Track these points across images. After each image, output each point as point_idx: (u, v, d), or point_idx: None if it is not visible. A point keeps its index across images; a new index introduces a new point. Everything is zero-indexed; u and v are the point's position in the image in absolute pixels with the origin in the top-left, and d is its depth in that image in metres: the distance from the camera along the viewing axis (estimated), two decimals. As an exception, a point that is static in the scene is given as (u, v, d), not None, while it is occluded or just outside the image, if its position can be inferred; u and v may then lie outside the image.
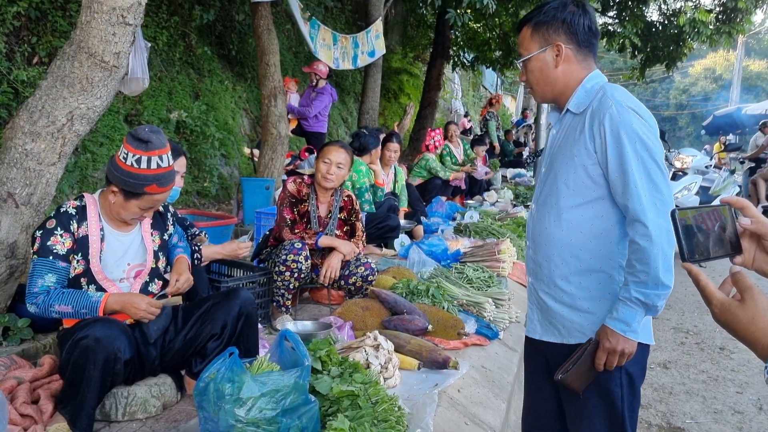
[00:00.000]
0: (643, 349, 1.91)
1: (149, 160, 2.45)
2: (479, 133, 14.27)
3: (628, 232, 1.79)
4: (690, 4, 10.65)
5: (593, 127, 1.80)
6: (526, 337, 2.15)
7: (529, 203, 9.52)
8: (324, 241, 3.87)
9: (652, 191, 1.73)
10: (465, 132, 20.56)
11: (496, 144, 13.91)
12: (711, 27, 10.60)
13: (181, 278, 2.64)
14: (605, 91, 1.84)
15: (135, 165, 2.45)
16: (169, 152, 2.55)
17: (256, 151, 7.87)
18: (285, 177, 6.47)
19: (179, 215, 2.98)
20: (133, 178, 2.46)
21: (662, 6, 11.66)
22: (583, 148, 1.83)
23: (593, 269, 1.88)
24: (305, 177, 4.13)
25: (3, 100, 5.14)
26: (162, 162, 2.49)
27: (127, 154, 2.46)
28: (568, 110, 1.93)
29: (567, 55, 1.90)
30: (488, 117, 14.02)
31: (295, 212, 3.96)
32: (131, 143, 2.46)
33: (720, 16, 10.99)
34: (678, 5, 11.57)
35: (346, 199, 4.15)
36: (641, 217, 1.72)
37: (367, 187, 5.87)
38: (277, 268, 3.64)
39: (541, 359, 2.11)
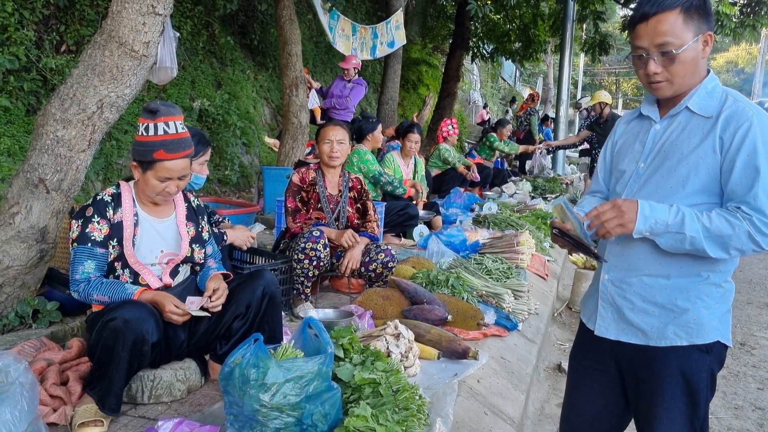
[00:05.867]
0: (724, 348, 1.92)
1: (155, 127, 2.52)
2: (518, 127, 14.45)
3: (738, 212, 1.72)
4: (714, -4, 10.52)
5: (726, 132, 1.76)
6: (592, 334, 2.06)
7: (548, 196, 9.47)
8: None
9: None
10: (483, 123, 20.54)
11: (537, 137, 13.99)
12: (735, 20, 10.45)
13: (221, 288, 2.67)
14: (736, 98, 1.81)
15: (144, 133, 2.54)
16: (179, 121, 2.58)
17: (276, 141, 7.91)
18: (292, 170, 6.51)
19: (202, 205, 3.02)
20: (142, 146, 2.53)
21: (686, -2, 11.48)
22: (711, 150, 1.78)
23: (693, 273, 1.86)
24: (311, 165, 4.24)
25: (32, 88, 5.23)
26: (168, 128, 2.53)
27: (139, 126, 2.57)
28: (686, 108, 1.86)
29: (710, 47, 1.80)
30: (530, 111, 14.00)
31: (298, 200, 4.05)
32: (142, 115, 2.56)
33: (744, 9, 10.82)
34: (702, -2, 11.38)
35: (354, 179, 4.25)
36: (766, 209, 1.68)
37: (381, 171, 5.89)
38: (296, 256, 3.69)
39: (603, 358, 2.06)
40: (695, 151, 1.81)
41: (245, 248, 3.69)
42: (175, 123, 2.56)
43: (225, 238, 3.47)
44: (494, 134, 10.66)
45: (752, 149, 1.71)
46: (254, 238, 3.79)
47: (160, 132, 2.52)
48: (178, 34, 3.34)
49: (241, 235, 3.62)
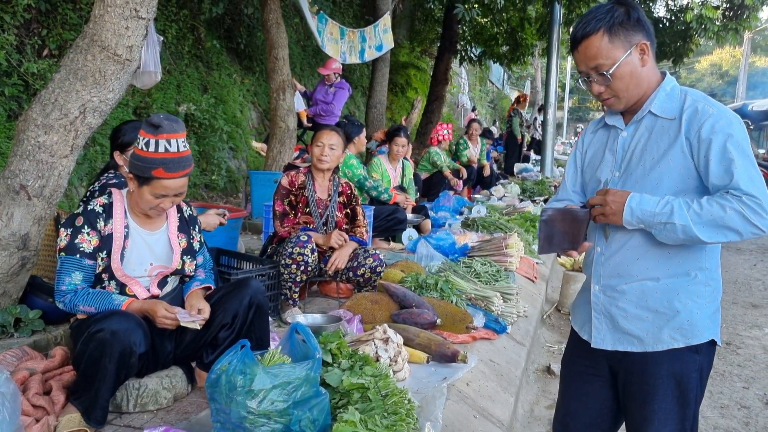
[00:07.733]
0: (713, 347, 1.92)
1: (157, 144, 2.46)
2: (505, 129, 14.85)
3: (728, 195, 1.71)
4: (697, 0, 10.61)
5: (690, 133, 1.79)
6: (584, 341, 2.07)
7: (536, 198, 9.49)
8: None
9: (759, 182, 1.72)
10: (472, 126, 20.62)
11: (519, 137, 14.41)
12: (718, 23, 10.59)
13: (206, 309, 2.63)
14: (695, 97, 1.84)
15: (144, 148, 2.47)
16: (181, 139, 2.52)
17: (263, 145, 7.88)
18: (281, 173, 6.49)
19: (195, 214, 2.97)
20: (141, 161, 2.48)
21: (669, 2, 11.64)
22: (679, 151, 1.80)
23: (682, 273, 1.87)
24: (301, 168, 4.22)
25: (13, 93, 5.17)
26: (170, 146, 2.47)
27: (140, 140, 2.50)
28: (650, 113, 1.89)
29: (649, 53, 1.85)
30: (513, 114, 14.41)
31: (286, 204, 4.03)
32: (144, 128, 2.49)
33: (727, 13, 10.98)
34: (685, 1, 11.54)
35: (344, 184, 4.24)
36: (753, 192, 1.68)
37: (365, 176, 5.89)
38: (283, 261, 3.67)
39: (597, 363, 2.05)
40: (665, 155, 1.83)
41: (212, 230, 3.67)
42: (177, 141, 2.50)
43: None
44: (465, 137, 10.67)
45: (721, 143, 1.74)
46: (223, 222, 3.77)
47: (161, 149, 2.46)
48: (162, 38, 3.30)
49: (212, 221, 3.63)
